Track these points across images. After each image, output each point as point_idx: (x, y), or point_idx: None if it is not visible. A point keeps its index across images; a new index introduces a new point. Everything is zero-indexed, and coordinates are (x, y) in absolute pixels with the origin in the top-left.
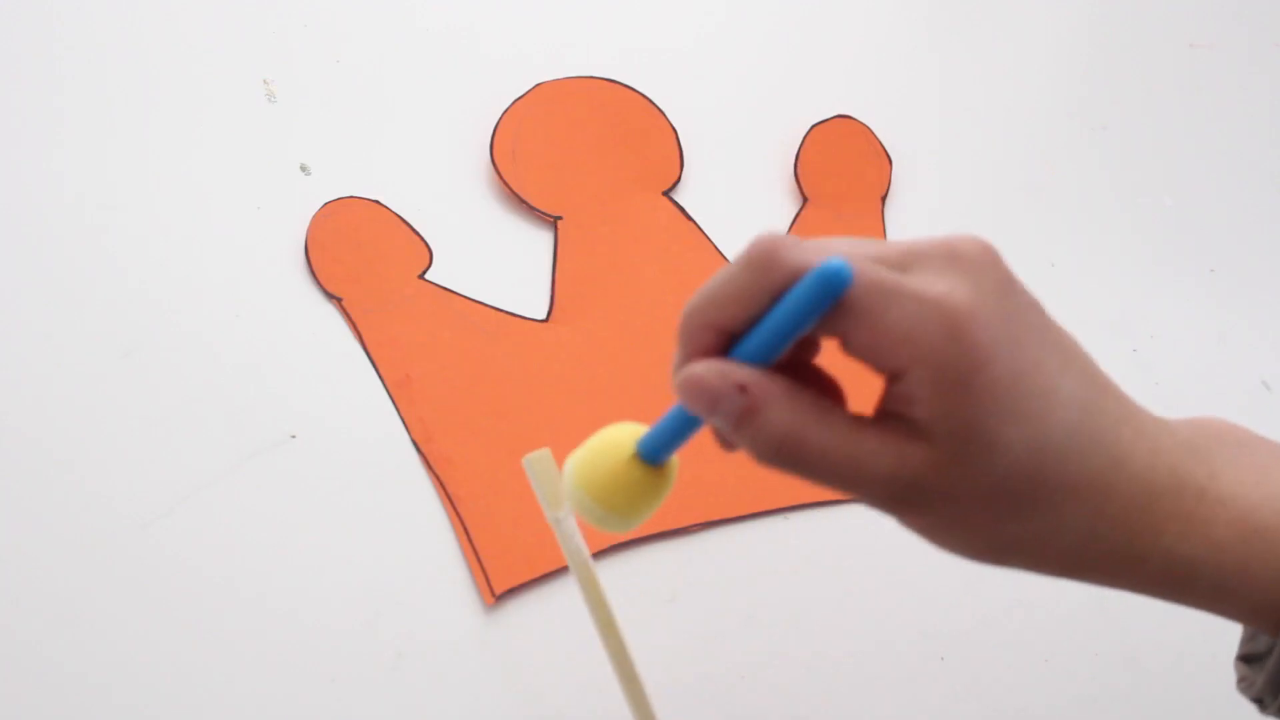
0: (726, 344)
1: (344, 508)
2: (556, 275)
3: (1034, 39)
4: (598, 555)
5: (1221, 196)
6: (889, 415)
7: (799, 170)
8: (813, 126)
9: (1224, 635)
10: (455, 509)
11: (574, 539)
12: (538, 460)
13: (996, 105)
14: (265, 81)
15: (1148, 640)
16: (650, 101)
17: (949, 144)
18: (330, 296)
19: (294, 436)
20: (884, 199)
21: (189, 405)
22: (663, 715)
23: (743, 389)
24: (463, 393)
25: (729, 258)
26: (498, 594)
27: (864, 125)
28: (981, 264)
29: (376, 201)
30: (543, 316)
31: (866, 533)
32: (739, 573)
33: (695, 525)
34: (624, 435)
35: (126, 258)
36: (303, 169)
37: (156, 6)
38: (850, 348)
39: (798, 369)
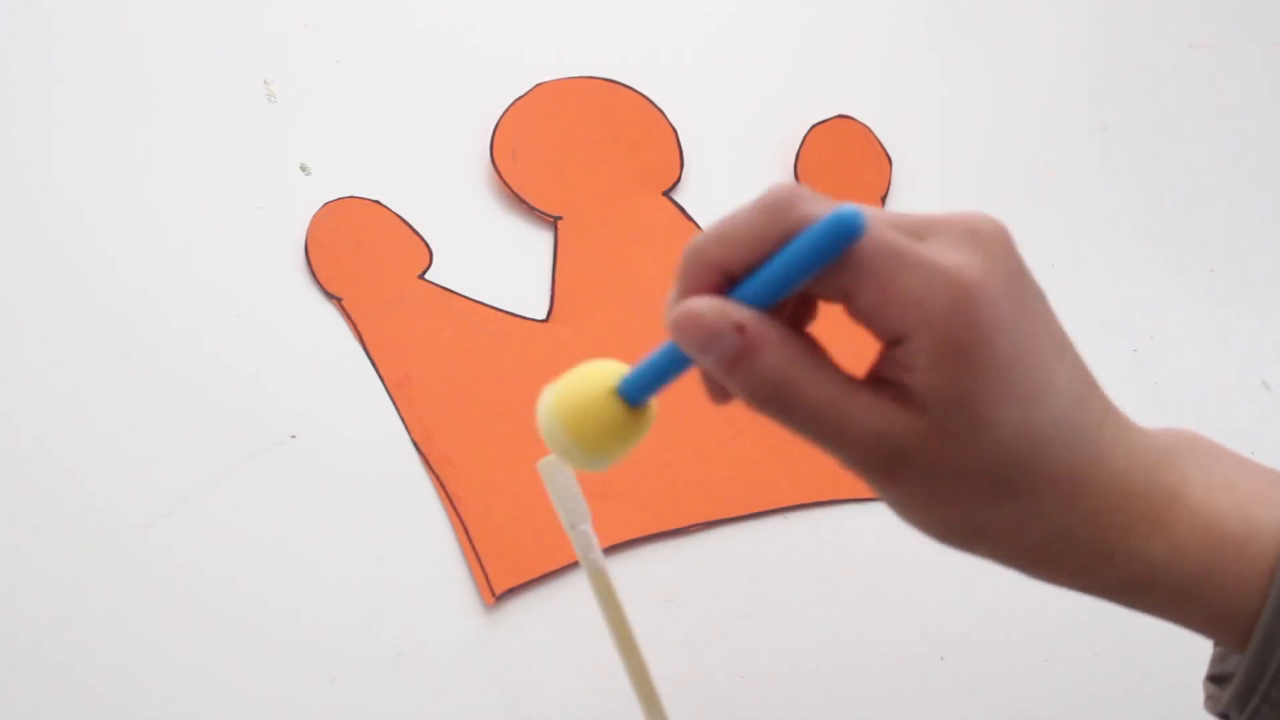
0: (726, 286)
1: (344, 508)
2: (556, 275)
3: (1034, 39)
4: None
5: (1221, 196)
6: (883, 380)
7: (799, 170)
8: (813, 126)
9: None
10: (455, 509)
11: (592, 550)
12: (552, 465)
13: (996, 105)
14: (265, 81)
15: (1148, 640)
16: (650, 101)
17: (949, 144)
18: (330, 296)
19: (294, 436)
20: (884, 199)
21: (189, 405)
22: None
23: (740, 329)
24: (463, 393)
25: None
26: (498, 594)
27: (864, 125)
28: (996, 244)
29: (376, 201)
30: (543, 316)
31: (867, 533)
32: (739, 573)
33: (695, 525)
34: (605, 371)
35: (126, 258)
36: (303, 169)
37: (156, 7)
38: (855, 308)
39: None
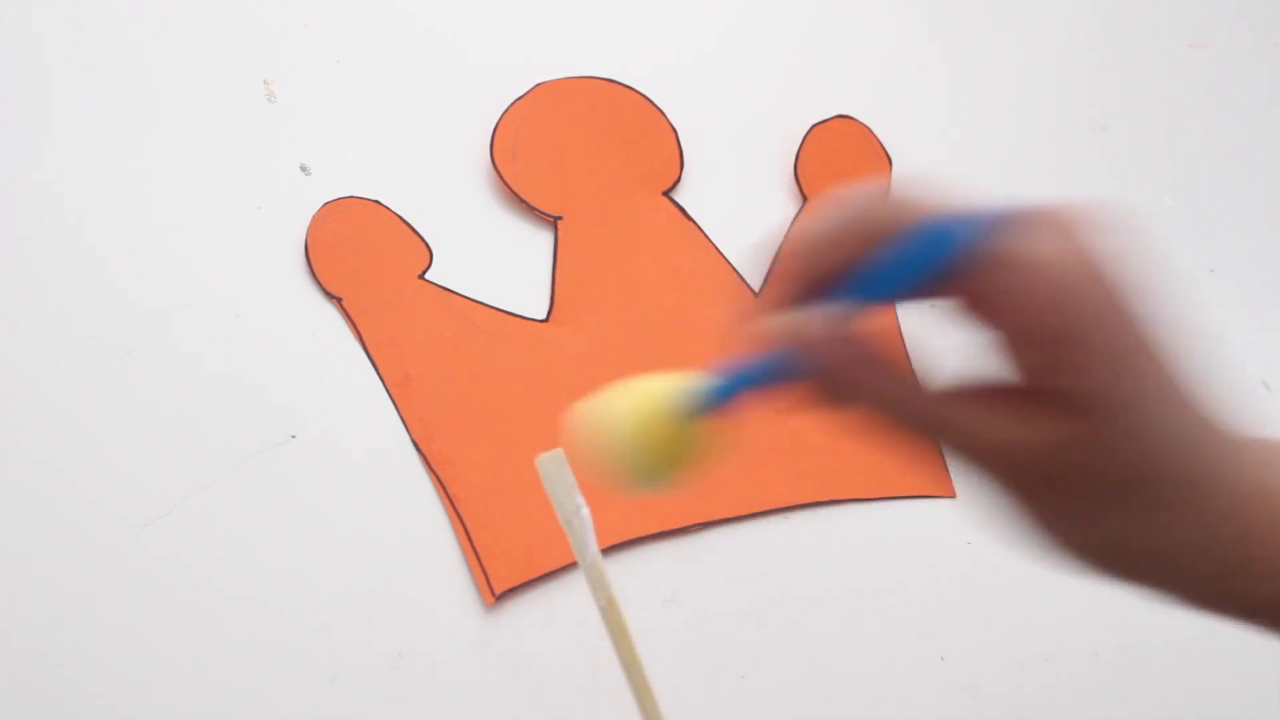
0: (828, 289)
1: (344, 508)
2: (556, 275)
3: (1034, 40)
4: None
5: (1221, 196)
6: (1032, 388)
7: (799, 170)
8: (813, 126)
9: (1225, 635)
10: (455, 509)
11: (586, 543)
12: (551, 461)
13: (997, 106)
14: (265, 81)
15: (1148, 640)
16: (650, 101)
17: (949, 144)
18: (330, 296)
19: (294, 437)
20: None
21: (189, 405)
22: (663, 714)
23: (883, 350)
24: (463, 393)
25: (729, 258)
26: (498, 594)
27: (864, 125)
28: (1100, 240)
29: (376, 201)
30: (543, 316)
31: (867, 532)
32: (739, 573)
33: (695, 525)
34: (668, 390)
35: (126, 258)
36: (303, 169)
37: (156, 7)
38: (993, 308)
39: None
